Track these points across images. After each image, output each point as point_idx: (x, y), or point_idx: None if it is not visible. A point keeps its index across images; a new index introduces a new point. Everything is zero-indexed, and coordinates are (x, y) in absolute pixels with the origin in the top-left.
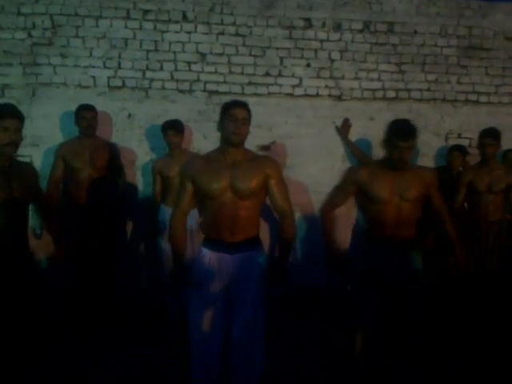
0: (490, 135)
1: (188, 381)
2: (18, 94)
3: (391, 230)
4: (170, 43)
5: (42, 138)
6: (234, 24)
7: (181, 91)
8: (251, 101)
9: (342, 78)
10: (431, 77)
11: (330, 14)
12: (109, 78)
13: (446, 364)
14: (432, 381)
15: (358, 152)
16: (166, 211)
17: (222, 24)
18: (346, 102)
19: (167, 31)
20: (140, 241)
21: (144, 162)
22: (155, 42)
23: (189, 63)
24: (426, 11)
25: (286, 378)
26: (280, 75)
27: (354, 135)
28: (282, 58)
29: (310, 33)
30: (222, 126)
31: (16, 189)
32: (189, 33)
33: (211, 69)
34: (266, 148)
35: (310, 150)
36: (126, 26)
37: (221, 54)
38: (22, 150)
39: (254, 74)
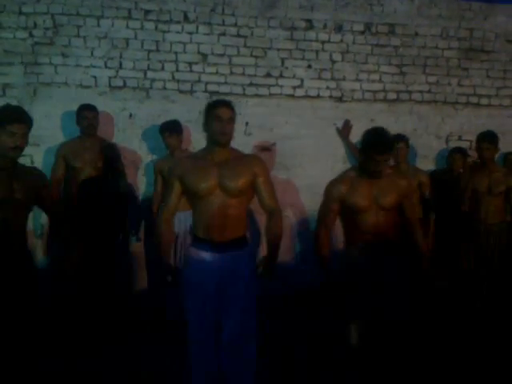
0: (487, 140)
1: (186, 381)
2: (19, 94)
3: (371, 237)
4: (172, 43)
5: (42, 138)
6: (235, 25)
7: (182, 92)
8: (252, 102)
9: (343, 79)
10: (432, 79)
11: (331, 16)
12: (110, 77)
13: (440, 364)
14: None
15: (358, 154)
16: None
17: (223, 25)
18: (347, 103)
19: (168, 31)
20: (139, 241)
21: (145, 162)
22: (156, 42)
23: (190, 64)
24: (427, 13)
25: (285, 378)
26: (281, 76)
27: (354, 137)
28: (283, 59)
29: (312, 34)
30: (207, 127)
31: (17, 190)
32: (190, 33)
33: (212, 69)
34: (266, 149)
35: (311, 151)
36: (127, 26)
37: (222, 55)
38: None
39: (255, 75)
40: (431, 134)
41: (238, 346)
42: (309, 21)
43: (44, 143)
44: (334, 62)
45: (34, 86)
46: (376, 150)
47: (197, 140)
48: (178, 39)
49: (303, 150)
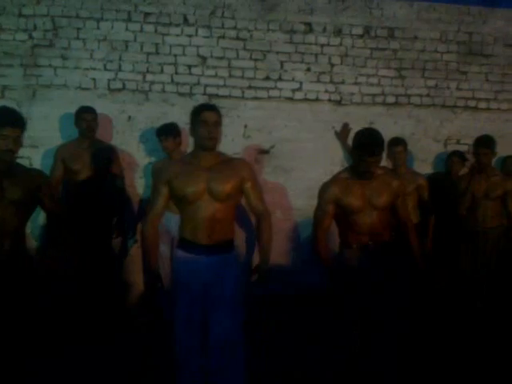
0: (484, 145)
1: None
2: (18, 96)
3: (366, 237)
4: (171, 46)
5: (41, 140)
6: (234, 28)
7: (181, 94)
8: (251, 104)
9: (342, 82)
10: (431, 82)
11: (330, 19)
12: (109, 80)
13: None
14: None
15: None
16: (165, 215)
17: (222, 28)
18: (346, 106)
19: (168, 34)
20: (136, 242)
21: (143, 165)
22: (156, 44)
23: (189, 66)
24: (426, 17)
25: (284, 379)
26: (280, 79)
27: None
28: (282, 62)
29: (311, 37)
30: (194, 131)
31: (8, 189)
32: (189, 36)
33: (211, 72)
34: (265, 152)
35: (310, 154)
36: (126, 29)
37: (221, 58)
38: (20, 152)
39: (255, 78)
40: (430, 137)
41: (224, 348)
42: (308, 24)
43: (43, 145)
44: (333, 65)
45: (33, 87)
46: (366, 151)
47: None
48: (177, 42)
49: (302, 153)
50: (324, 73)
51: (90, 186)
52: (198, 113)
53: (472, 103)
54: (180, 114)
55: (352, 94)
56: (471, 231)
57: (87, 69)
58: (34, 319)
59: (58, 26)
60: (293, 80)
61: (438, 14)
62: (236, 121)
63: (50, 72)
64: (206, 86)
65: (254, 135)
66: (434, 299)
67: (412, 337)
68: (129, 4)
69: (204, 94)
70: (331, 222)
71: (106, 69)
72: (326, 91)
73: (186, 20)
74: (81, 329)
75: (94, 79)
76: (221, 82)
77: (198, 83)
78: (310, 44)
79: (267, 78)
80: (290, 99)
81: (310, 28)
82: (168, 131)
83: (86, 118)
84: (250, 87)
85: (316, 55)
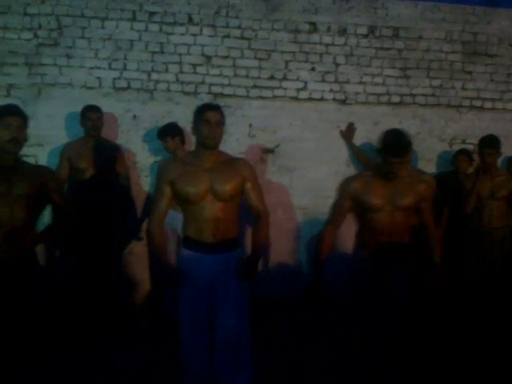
0: (488, 145)
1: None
2: (24, 94)
3: (384, 237)
4: (176, 45)
5: (46, 138)
6: (239, 27)
7: (186, 93)
8: (256, 104)
9: (347, 82)
10: (436, 82)
11: (335, 19)
12: (114, 79)
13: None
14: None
15: (361, 156)
16: (170, 214)
17: (227, 27)
18: (351, 106)
19: (173, 33)
20: (141, 240)
21: (149, 164)
22: (161, 43)
23: (194, 65)
24: (431, 17)
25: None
26: (285, 79)
27: (358, 139)
28: (287, 62)
29: (316, 37)
30: (196, 130)
31: (17, 184)
32: (194, 35)
33: (216, 71)
34: (270, 151)
35: (314, 153)
36: (131, 28)
37: (226, 57)
38: (26, 150)
39: (259, 77)
40: (435, 137)
41: (230, 348)
42: (313, 24)
43: (48, 144)
44: (337, 64)
45: (38, 86)
46: (390, 152)
47: None
48: (182, 41)
49: (306, 153)
50: (329, 72)
51: (96, 185)
52: (200, 112)
53: (477, 103)
54: (185, 113)
55: (357, 93)
56: (477, 231)
57: (92, 68)
58: (40, 317)
59: (63, 25)
60: (297, 79)
61: (443, 13)
62: (241, 120)
63: (54, 71)
64: (210, 85)
65: (258, 134)
66: (438, 299)
67: (416, 336)
68: (134, 3)
69: (209, 93)
70: (344, 217)
71: (110, 68)
72: (331, 91)
73: (190, 19)
74: (84, 327)
75: (98, 78)
76: (225, 82)
77: (203, 82)
78: (315, 43)
79: (272, 78)
80: (295, 99)
81: (314, 27)
82: (165, 132)
83: (91, 116)
84: (254, 86)
85: (321, 55)
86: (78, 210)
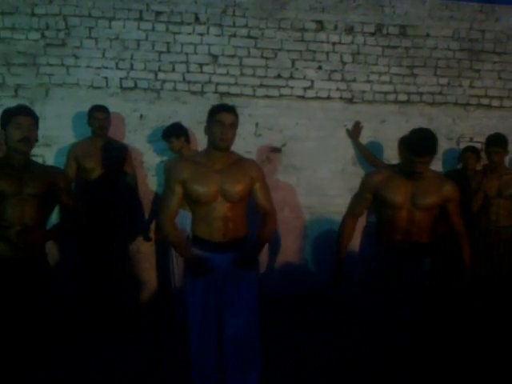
0: (495, 143)
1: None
2: (31, 94)
3: (401, 236)
4: (182, 45)
5: (54, 138)
6: (245, 26)
7: (192, 93)
8: (262, 103)
9: (354, 80)
10: (443, 80)
11: (342, 17)
12: (121, 79)
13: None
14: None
15: (368, 155)
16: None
17: (234, 26)
18: (358, 104)
19: (179, 33)
20: (150, 240)
21: (155, 163)
22: (167, 43)
23: (200, 65)
24: (438, 14)
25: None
26: (291, 77)
27: (364, 138)
28: (293, 61)
29: (322, 35)
30: (208, 130)
31: (27, 184)
32: (201, 35)
33: (223, 70)
34: (276, 150)
35: (321, 152)
36: (138, 28)
37: (232, 56)
38: (34, 150)
39: (266, 76)
40: (442, 135)
41: (241, 346)
42: (319, 22)
43: (55, 143)
44: (344, 63)
45: (45, 86)
46: (413, 151)
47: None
48: (188, 40)
49: (313, 152)
50: (335, 71)
51: (103, 185)
52: (214, 112)
53: (485, 101)
54: (191, 113)
55: (364, 92)
56: (484, 230)
57: (99, 68)
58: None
59: (71, 25)
60: (304, 78)
61: (450, 11)
62: (247, 119)
63: (62, 71)
64: (217, 84)
65: (265, 133)
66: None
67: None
68: (140, 3)
69: (215, 92)
70: (365, 209)
71: (117, 67)
72: (338, 89)
73: (197, 19)
74: (84, 327)
75: (105, 78)
76: (232, 81)
77: (210, 81)
78: (322, 42)
79: (278, 77)
80: (302, 97)
81: (321, 26)
82: (170, 133)
83: (98, 116)
84: (261, 85)
85: (327, 53)
86: (85, 210)
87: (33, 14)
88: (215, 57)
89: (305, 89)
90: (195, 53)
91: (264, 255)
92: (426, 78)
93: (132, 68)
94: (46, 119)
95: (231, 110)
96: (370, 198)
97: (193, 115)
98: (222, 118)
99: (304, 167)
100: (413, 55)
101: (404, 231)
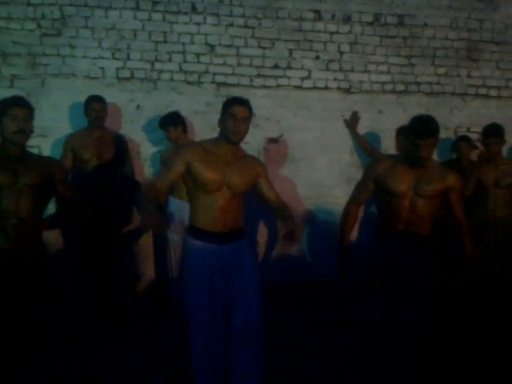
0: (493, 134)
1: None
2: (27, 85)
3: (403, 225)
4: (179, 35)
5: (50, 129)
6: (243, 16)
7: (189, 83)
8: (260, 93)
9: (351, 70)
10: (441, 70)
11: (339, 6)
12: (117, 69)
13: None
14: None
15: (366, 145)
16: (174, 203)
17: (231, 16)
18: (355, 94)
19: (176, 22)
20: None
21: (152, 154)
22: (164, 33)
23: (197, 55)
24: (436, 4)
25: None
26: (289, 67)
27: (362, 128)
28: (290, 50)
29: (320, 25)
30: (221, 122)
31: (22, 175)
32: (198, 24)
33: (220, 60)
34: (274, 141)
35: (319, 142)
36: (135, 17)
37: (230, 46)
38: (30, 141)
39: (263, 66)
40: (440, 125)
41: (251, 334)
42: (317, 12)
43: (51, 134)
44: (342, 53)
45: (41, 77)
46: (417, 134)
47: (203, 131)
48: (185, 30)
49: (311, 142)
50: (333, 61)
51: (99, 175)
52: (228, 105)
53: (483, 91)
54: (188, 103)
55: (361, 82)
56: (481, 220)
57: (95, 58)
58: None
59: (66, 14)
60: (301, 68)
61: (449, 0)
62: None
63: (58, 61)
64: (214, 74)
65: (262, 124)
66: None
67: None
68: None
69: (212, 82)
70: (367, 198)
71: (114, 58)
72: (335, 79)
73: (194, 8)
74: (88, 320)
75: (102, 68)
76: (229, 71)
77: (207, 72)
78: (319, 32)
79: (276, 67)
80: (299, 87)
81: (318, 16)
82: (167, 122)
83: (94, 107)
84: (258, 75)
85: (325, 43)
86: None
87: (28, 4)
88: (212, 47)
89: (302, 79)
90: (192, 43)
91: (261, 246)
92: (424, 68)
93: (128, 58)
94: (42, 110)
95: (245, 103)
96: (372, 187)
97: (190, 105)
98: (236, 111)
99: (301, 158)
100: (411, 45)
101: (406, 221)
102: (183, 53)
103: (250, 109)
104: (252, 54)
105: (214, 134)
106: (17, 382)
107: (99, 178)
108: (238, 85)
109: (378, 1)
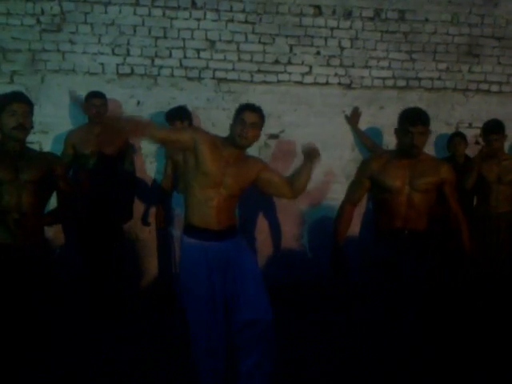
0: (494, 130)
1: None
2: (27, 81)
3: (401, 222)
4: (179, 30)
5: (50, 125)
6: (243, 11)
7: (190, 78)
8: (260, 89)
9: (352, 66)
10: (442, 65)
11: (340, 2)
12: (117, 65)
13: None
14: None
15: (367, 141)
16: (178, 198)
17: (231, 11)
18: (356, 90)
19: (176, 18)
20: (148, 225)
21: (153, 150)
22: (164, 28)
23: (198, 50)
24: None
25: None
26: (289, 63)
27: (363, 124)
28: (291, 46)
29: (320, 20)
30: (232, 126)
31: (22, 170)
32: (198, 20)
33: (220, 56)
34: (274, 136)
35: (319, 138)
36: (134, 13)
37: (230, 42)
38: (30, 137)
39: (264, 62)
40: (441, 121)
41: (256, 330)
42: (317, 7)
43: (52, 130)
44: (342, 48)
45: (41, 73)
46: (410, 122)
47: (204, 127)
48: (185, 26)
49: (311, 138)
50: (334, 56)
51: (100, 171)
52: (240, 111)
53: (484, 86)
54: (189, 99)
55: (362, 77)
56: (483, 216)
57: (95, 53)
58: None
59: (66, 10)
60: (302, 64)
61: None
62: None
63: (58, 57)
64: (214, 70)
65: None
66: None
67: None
68: None
69: (213, 78)
70: (362, 196)
71: (114, 53)
72: (336, 75)
73: (194, 3)
74: (88, 320)
75: (102, 64)
76: (229, 66)
77: (207, 67)
78: (320, 27)
79: (276, 62)
80: (300, 83)
81: (319, 11)
82: (174, 116)
83: (95, 103)
84: (259, 71)
85: (326, 38)
86: (81, 197)
87: (28, 0)
88: (212, 42)
89: (303, 74)
90: (192, 38)
91: (261, 242)
92: (425, 64)
93: (128, 54)
94: (42, 106)
95: (256, 110)
96: (367, 185)
97: (190, 101)
98: (245, 116)
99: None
100: (412, 40)
101: (403, 217)
102: (183, 48)
103: (260, 116)
104: (252, 50)
105: (215, 129)
106: (17, 382)
107: (100, 173)
108: (238, 80)
109: None
